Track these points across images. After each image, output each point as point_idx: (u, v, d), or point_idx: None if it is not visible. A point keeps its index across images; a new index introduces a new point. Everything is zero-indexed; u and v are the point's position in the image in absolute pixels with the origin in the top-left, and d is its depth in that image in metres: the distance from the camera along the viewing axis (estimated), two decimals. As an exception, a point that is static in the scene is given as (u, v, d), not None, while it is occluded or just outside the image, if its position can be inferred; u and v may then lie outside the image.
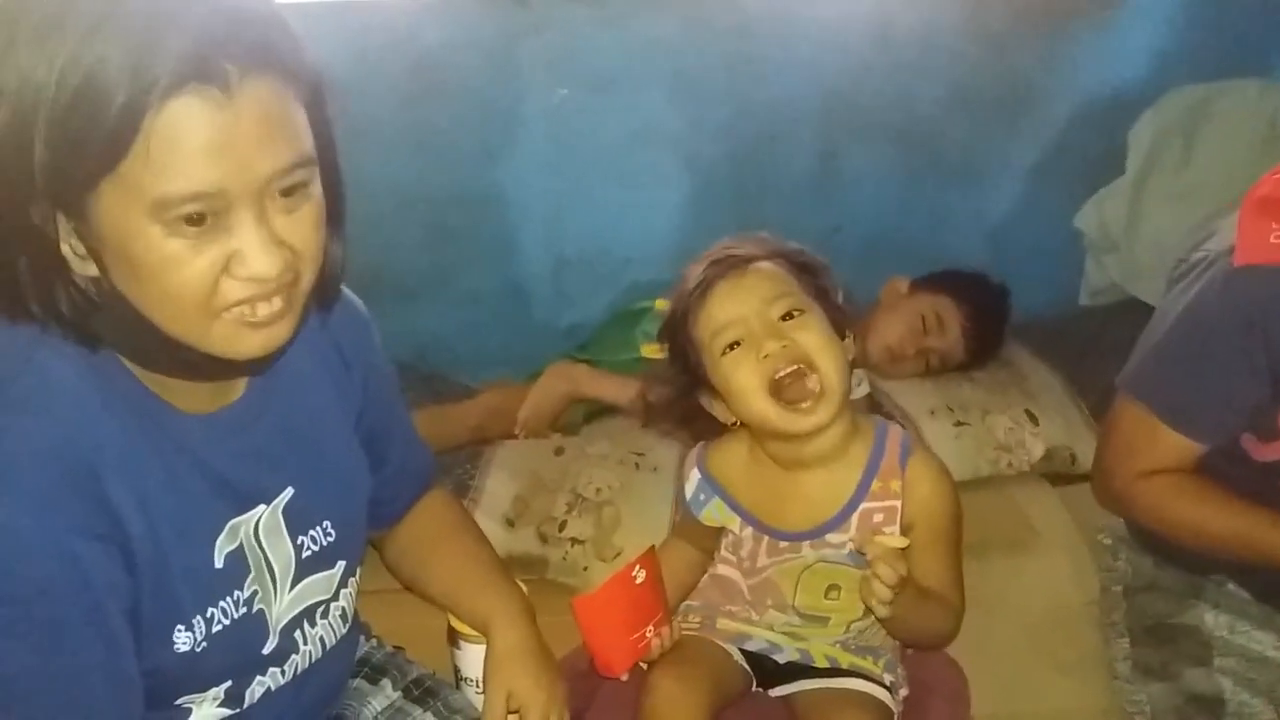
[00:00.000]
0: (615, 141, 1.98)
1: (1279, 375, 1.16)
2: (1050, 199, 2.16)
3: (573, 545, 1.52)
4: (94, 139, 0.67)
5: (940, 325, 1.88)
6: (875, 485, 1.11)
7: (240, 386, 0.89)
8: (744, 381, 1.06)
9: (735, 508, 1.16)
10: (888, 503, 1.11)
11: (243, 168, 0.70)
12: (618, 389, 1.74)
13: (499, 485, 1.60)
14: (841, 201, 2.08)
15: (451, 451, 1.68)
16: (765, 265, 1.10)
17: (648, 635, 1.12)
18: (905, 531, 1.11)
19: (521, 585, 1.12)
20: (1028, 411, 1.81)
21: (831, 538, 1.12)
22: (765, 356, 1.05)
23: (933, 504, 1.11)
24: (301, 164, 0.75)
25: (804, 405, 1.05)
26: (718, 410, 1.13)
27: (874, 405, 1.89)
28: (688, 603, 1.24)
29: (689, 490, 1.19)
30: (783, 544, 1.14)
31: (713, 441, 1.19)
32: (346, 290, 1.01)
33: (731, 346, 1.07)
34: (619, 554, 1.50)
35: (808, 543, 1.13)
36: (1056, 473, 1.83)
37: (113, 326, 0.78)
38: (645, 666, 1.15)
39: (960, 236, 2.15)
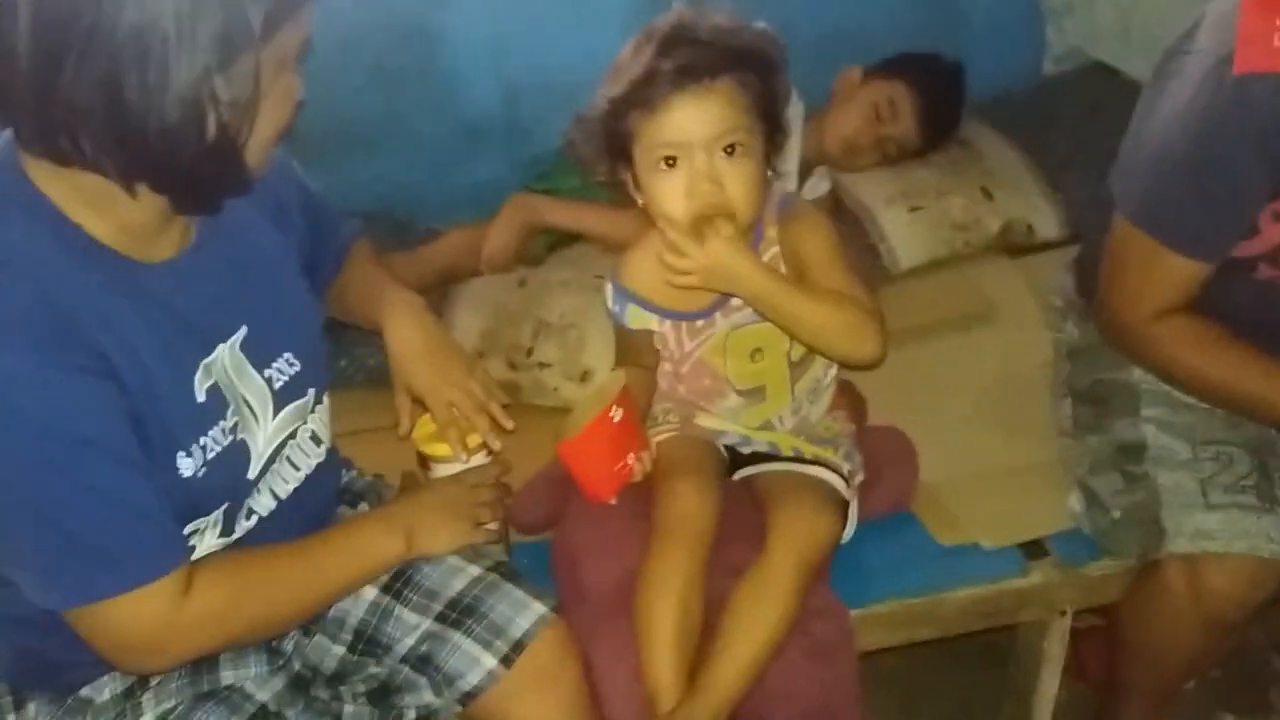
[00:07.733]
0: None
1: (1277, 181, 1.13)
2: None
3: (541, 369, 1.59)
4: None
5: (894, 112, 1.86)
6: (761, 245, 1.19)
7: (191, 234, 0.98)
8: (669, 207, 1.12)
9: (649, 307, 1.25)
10: (771, 250, 1.19)
11: None
12: (577, 215, 1.77)
13: (465, 321, 1.65)
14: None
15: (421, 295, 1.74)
16: (727, 86, 1.09)
17: (629, 462, 1.23)
18: (795, 273, 1.18)
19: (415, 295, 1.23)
20: (983, 188, 1.83)
21: (736, 301, 1.20)
22: (695, 194, 1.10)
23: (812, 235, 1.19)
24: None
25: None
26: (633, 189, 1.18)
27: (835, 201, 1.90)
28: (664, 405, 1.32)
29: (609, 302, 1.27)
30: (699, 323, 1.23)
31: (621, 257, 1.28)
32: None
33: (668, 162, 1.11)
34: (586, 372, 1.57)
35: (718, 313, 1.22)
36: (1016, 245, 1.86)
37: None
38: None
39: (915, 19, 2.08)
